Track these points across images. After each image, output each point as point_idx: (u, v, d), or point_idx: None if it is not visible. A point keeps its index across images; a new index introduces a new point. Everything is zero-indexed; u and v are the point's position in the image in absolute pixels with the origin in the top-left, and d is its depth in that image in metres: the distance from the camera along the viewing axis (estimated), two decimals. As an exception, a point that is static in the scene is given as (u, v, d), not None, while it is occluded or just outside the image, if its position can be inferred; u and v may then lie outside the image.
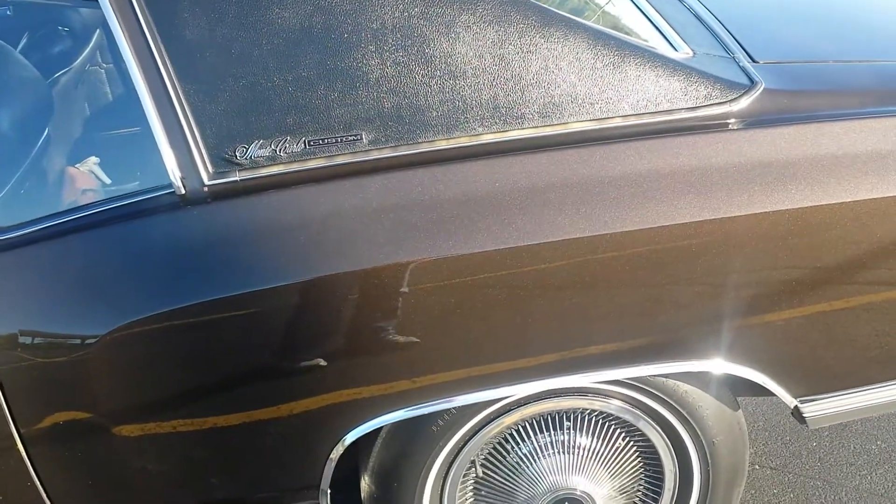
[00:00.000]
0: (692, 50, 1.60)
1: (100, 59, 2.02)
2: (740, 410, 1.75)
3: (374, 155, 1.44)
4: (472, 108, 1.45)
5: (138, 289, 1.43)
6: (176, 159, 1.41)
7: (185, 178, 1.41)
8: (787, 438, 2.45)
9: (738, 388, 1.71)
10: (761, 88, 1.52)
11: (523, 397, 1.64)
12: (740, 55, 1.62)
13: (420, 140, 1.45)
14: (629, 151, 1.47)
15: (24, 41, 1.66)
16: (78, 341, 1.43)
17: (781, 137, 1.47)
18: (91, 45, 1.98)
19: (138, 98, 1.39)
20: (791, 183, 1.45)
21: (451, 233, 1.41)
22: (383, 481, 1.71)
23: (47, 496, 1.56)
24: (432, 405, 1.54)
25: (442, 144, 1.45)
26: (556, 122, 1.47)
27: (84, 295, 1.43)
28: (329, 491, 1.66)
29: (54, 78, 1.93)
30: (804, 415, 1.69)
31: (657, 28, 1.70)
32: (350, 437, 1.55)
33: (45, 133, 1.60)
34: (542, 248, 1.42)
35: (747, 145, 1.47)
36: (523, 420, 1.70)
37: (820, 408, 1.68)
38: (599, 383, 1.63)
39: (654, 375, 1.61)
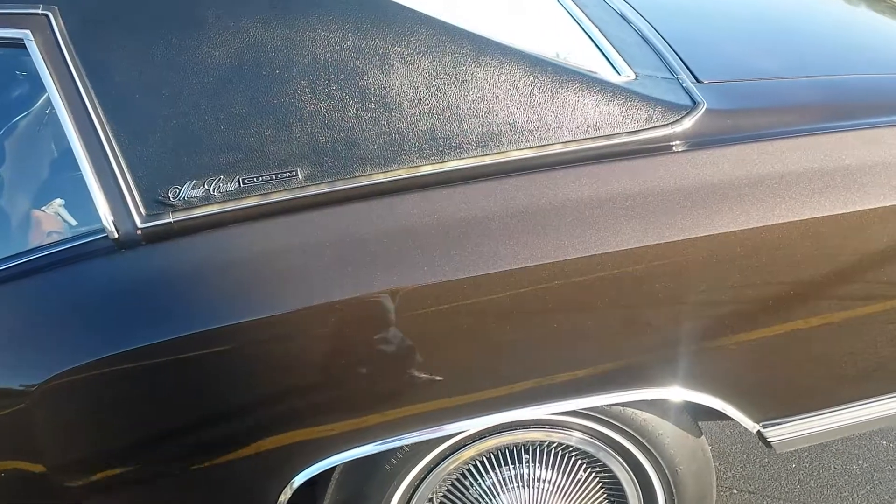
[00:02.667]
0: (634, 72, 1.58)
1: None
2: (703, 437, 1.71)
3: (311, 191, 1.42)
4: (410, 140, 1.43)
5: (73, 336, 1.40)
6: (108, 203, 1.38)
7: (117, 221, 1.39)
8: (766, 461, 2.40)
9: (700, 414, 1.67)
10: (703, 109, 1.49)
11: (478, 431, 1.61)
12: (684, 75, 1.60)
13: (357, 174, 1.42)
14: (570, 178, 1.44)
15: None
16: (16, 391, 1.40)
17: (724, 158, 1.45)
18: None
19: (69, 141, 1.37)
20: (736, 204, 1.42)
21: (391, 267, 1.39)
22: (340, 523, 1.67)
23: None
24: (381, 444, 1.51)
25: (379, 178, 1.43)
26: (495, 151, 1.45)
27: (19, 343, 1.40)
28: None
29: (13, 122, 1.92)
30: (768, 439, 1.65)
31: (601, 50, 1.68)
32: (299, 480, 1.51)
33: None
34: (484, 279, 1.39)
35: (690, 167, 1.44)
36: (481, 454, 1.67)
37: (784, 431, 1.64)
38: (557, 415, 1.60)
39: (611, 405, 1.58)
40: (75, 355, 1.38)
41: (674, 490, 1.69)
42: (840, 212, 1.43)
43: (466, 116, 1.43)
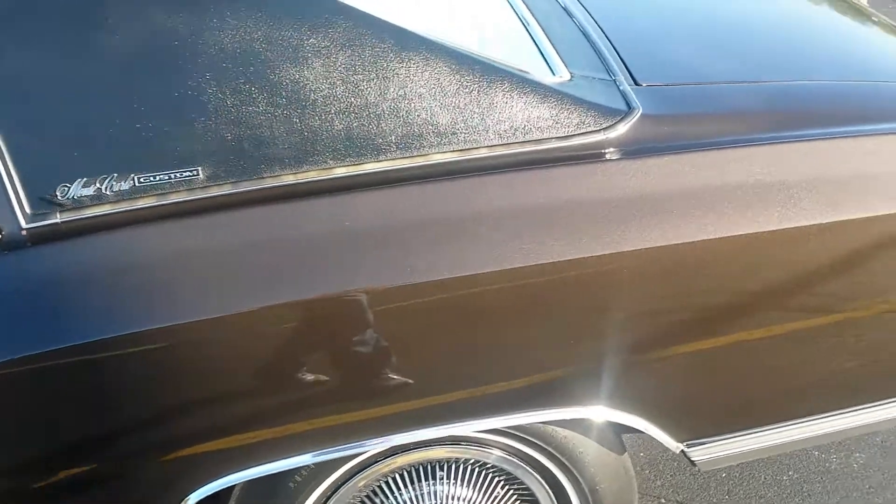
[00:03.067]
0: (570, 72, 1.49)
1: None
2: (626, 454, 1.64)
3: (214, 192, 1.30)
4: (323, 140, 1.32)
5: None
6: (-12, 201, 1.26)
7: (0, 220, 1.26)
8: (695, 469, 2.36)
9: (624, 429, 1.61)
10: (639, 114, 1.41)
11: (390, 448, 1.52)
12: (623, 77, 1.51)
13: (265, 175, 1.31)
14: (495, 185, 1.35)
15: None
16: None
17: (656, 168, 1.37)
18: None
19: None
20: (666, 218, 1.35)
21: (296, 278, 1.29)
22: (245, 541, 1.57)
23: None
24: (280, 462, 1.41)
25: (289, 179, 1.32)
26: (416, 154, 1.35)
27: None
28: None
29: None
30: (692, 459, 1.59)
31: (538, 46, 1.60)
32: (194, 498, 1.41)
33: None
34: (396, 292, 1.30)
35: (620, 177, 1.37)
36: (394, 471, 1.58)
37: (708, 451, 1.59)
38: (474, 432, 1.52)
39: (531, 424, 1.50)
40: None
41: (595, 508, 1.63)
42: (773, 228, 1.36)
43: (386, 116, 1.33)
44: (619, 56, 1.60)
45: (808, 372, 1.58)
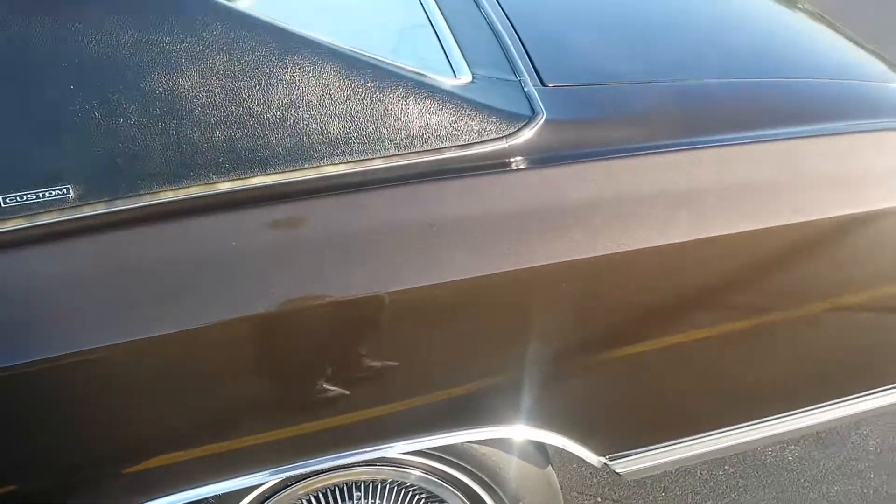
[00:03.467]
0: (473, 73, 1.42)
1: None
2: (550, 467, 1.59)
3: (86, 211, 1.21)
4: (203, 153, 1.23)
5: None
6: None
7: None
8: (632, 467, 2.32)
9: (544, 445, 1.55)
10: (542, 120, 1.34)
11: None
12: (528, 78, 1.44)
13: (142, 192, 1.22)
14: (391, 198, 1.28)
15: None
16: None
17: (561, 178, 1.30)
18: None
19: None
20: (571, 230, 1.28)
21: (177, 305, 1.20)
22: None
23: None
24: (182, 494, 1.34)
25: (168, 196, 1.23)
26: (306, 166, 1.26)
27: None
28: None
29: None
30: (616, 471, 1.54)
31: (442, 45, 1.52)
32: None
33: None
34: (291, 312, 1.22)
35: (523, 188, 1.30)
36: (309, 493, 1.52)
37: (629, 464, 1.53)
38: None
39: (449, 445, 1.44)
40: None
41: (517, 525, 1.57)
42: (681, 240, 1.30)
43: (272, 126, 1.24)
44: (528, 54, 1.53)
45: (723, 381, 1.54)
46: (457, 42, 1.52)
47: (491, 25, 1.64)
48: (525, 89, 1.41)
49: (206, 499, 1.41)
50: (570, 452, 1.47)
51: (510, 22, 1.66)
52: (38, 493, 1.29)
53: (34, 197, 1.20)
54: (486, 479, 1.51)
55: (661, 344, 1.43)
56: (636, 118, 1.40)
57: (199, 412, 1.29)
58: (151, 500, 1.34)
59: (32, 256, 1.21)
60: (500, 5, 1.74)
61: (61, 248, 1.21)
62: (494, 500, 1.55)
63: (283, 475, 1.40)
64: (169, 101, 1.21)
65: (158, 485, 1.33)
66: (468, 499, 1.56)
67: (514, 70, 1.47)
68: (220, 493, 1.38)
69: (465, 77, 1.41)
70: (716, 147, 1.35)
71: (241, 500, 1.44)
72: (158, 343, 1.19)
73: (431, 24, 1.59)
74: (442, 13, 1.63)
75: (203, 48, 1.22)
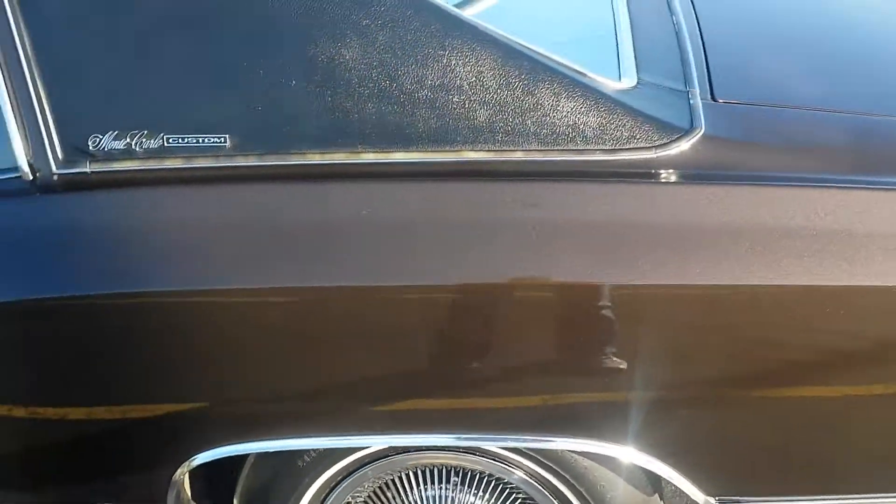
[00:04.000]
0: (639, 78, 1.37)
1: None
2: (656, 496, 1.53)
3: (239, 161, 1.29)
4: (354, 123, 1.27)
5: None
6: (26, 142, 1.29)
7: (34, 163, 1.29)
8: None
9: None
10: (699, 135, 1.28)
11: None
12: (698, 90, 1.38)
13: (291, 151, 1.28)
14: (524, 191, 1.26)
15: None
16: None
17: (707, 198, 1.24)
18: None
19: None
20: (708, 254, 1.21)
21: (314, 263, 1.26)
22: (252, 507, 1.58)
23: None
24: (286, 441, 1.40)
25: (315, 159, 1.28)
26: (447, 149, 1.28)
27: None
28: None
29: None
30: (722, 515, 1.46)
31: (617, 47, 1.48)
32: (199, 460, 1.42)
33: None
34: (383, 290, 1.26)
35: (663, 202, 1.24)
36: (409, 469, 1.54)
37: (739, 511, 1.45)
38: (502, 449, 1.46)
39: (559, 450, 1.42)
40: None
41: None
42: (832, 284, 1.20)
43: (421, 105, 1.26)
44: (707, 66, 1.46)
45: (871, 442, 1.41)
46: (634, 45, 1.48)
47: (678, 32, 1.58)
48: (691, 101, 1.35)
49: (308, 451, 1.47)
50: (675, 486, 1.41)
51: (700, 31, 1.59)
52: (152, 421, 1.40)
53: (195, 141, 1.28)
54: (585, 493, 1.47)
55: (799, 392, 1.34)
56: (805, 147, 1.31)
57: (310, 369, 1.34)
58: (261, 440, 1.41)
59: (184, 195, 1.30)
60: (695, 13, 1.67)
61: (210, 192, 1.30)
62: (591, 518, 1.51)
63: (390, 443, 1.44)
64: (329, 70, 1.25)
65: (263, 429, 1.39)
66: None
67: (686, 80, 1.41)
68: (324, 447, 1.43)
69: (629, 81, 1.37)
70: (886, 190, 1.24)
71: (339, 461, 1.48)
72: (277, 293, 1.26)
73: (614, 23, 1.56)
74: (629, 13, 1.59)
75: (369, 22, 1.25)
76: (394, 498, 1.57)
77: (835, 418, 1.36)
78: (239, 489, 1.57)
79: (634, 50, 1.46)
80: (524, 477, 1.50)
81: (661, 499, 1.56)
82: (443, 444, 1.43)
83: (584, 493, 1.47)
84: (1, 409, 1.41)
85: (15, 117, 1.28)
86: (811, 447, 1.39)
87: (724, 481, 1.42)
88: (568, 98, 1.27)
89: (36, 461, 1.49)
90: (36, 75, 1.27)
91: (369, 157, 1.28)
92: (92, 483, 1.54)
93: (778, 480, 1.43)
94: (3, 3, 1.26)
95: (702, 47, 1.53)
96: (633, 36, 1.51)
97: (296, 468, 1.49)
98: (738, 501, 1.43)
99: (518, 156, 1.27)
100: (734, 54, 1.56)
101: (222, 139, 1.28)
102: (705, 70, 1.45)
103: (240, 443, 1.41)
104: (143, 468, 1.46)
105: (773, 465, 1.41)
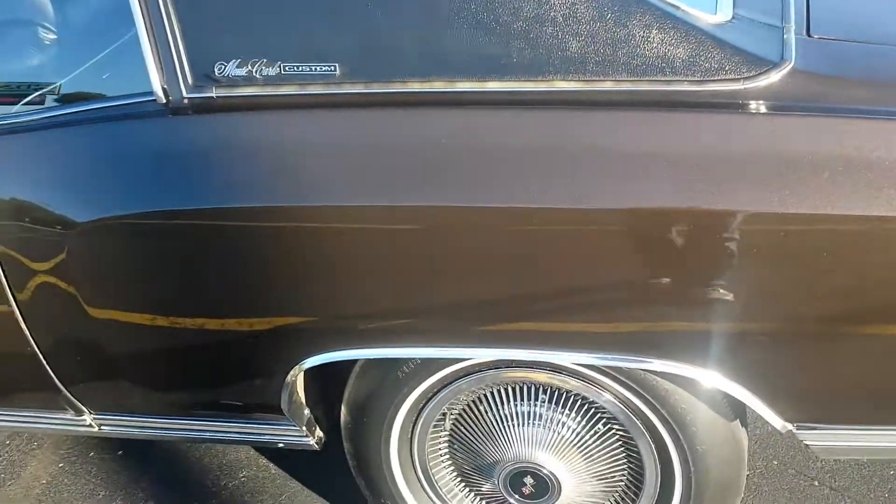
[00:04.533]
0: (735, 13, 1.39)
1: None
2: (737, 421, 1.57)
3: (346, 89, 1.40)
4: (452, 54, 1.35)
5: (114, 186, 1.49)
6: (160, 69, 1.43)
7: (167, 87, 1.44)
8: (864, 461, 2.18)
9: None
10: (788, 68, 1.29)
11: (502, 360, 1.56)
12: (793, 26, 1.38)
13: (394, 80, 1.38)
14: (614, 120, 1.32)
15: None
16: (62, 222, 1.52)
17: (791, 128, 1.26)
18: None
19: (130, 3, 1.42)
20: (789, 183, 1.24)
21: (414, 183, 1.36)
22: (356, 414, 1.72)
23: (49, 366, 1.71)
24: (392, 350, 1.52)
25: (415, 87, 1.37)
26: (539, 79, 1.34)
27: (68, 183, 1.51)
28: (307, 413, 1.71)
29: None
30: (804, 441, 1.49)
31: (718, -18, 1.49)
32: (308, 364, 1.56)
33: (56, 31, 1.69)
34: (475, 212, 1.35)
35: (747, 131, 1.27)
36: (503, 384, 1.64)
37: (820, 438, 1.48)
38: (593, 371, 1.53)
39: (640, 370, 1.48)
40: (112, 205, 1.48)
41: (692, 469, 1.58)
42: None
43: (516, 36, 1.33)
44: (808, 4, 1.46)
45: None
46: (734, -19, 1.49)
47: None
48: (784, 36, 1.36)
49: (408, 362, 1.58)
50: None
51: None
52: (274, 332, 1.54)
53: (308, 69, 1.40)
54: (667, 415, 1.52)
55: (879, 323, 1.35)
56: (892, 82, 1.30)
57: (414, 285, 1.44)
58: (365, 348, 1.54)
59: (298, 118, 1.42)
60: None
61: (321, 116, 1.41)
62: (678, 449, 1.56)
63: (489, 357, 1.53)
64: (430, 4, 1.34)
65: (369, 338, 1.51)
66: (655, 443, 1.59)
67: (783, 17, 1.42)
68: (426, 357, 1.55)
69: (724, 15, 1.39)
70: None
71: (436, 373, 1.59)
72: (381, 211, 1.37)
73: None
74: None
75: (467, -44, 1.33)
76: (486, 411, 1.67)
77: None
78: (346, 396, 1.71)
79: (734, -14, 1.48)
80: (611, 399, 1.57)
81: (742, 425, 1.60)
82: (539, 360, 1.51)
83: (666, 415, 1.53)
84: (133, 317, 1.59)
85: (151, 48, 1.43)
86: (888, 378, 1.40)
87: (803, 408, 1.45)
88: (659, 30, 1.31)
89: (165, 367, 1.68)
90: (170, 9, 1.41)
91: (465, 85, 1.37)
92: (215, 385, 1.72)
93: (854, 409, 1.46)
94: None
95: (806, -14, 1.53)
96: (735, -27, 1.52)
97: (396, 378, 1.62)
98: (815, 427, 1.47)
99: (607, 85, 1.33)
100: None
101: (332, 68, 1.39)
102: (805, 7, 1.46)
103: (345, 349, 1.54)
104: (261, 371, 1.61)
105: (851, 394, 1.44)
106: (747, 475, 2.09)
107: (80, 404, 1.78)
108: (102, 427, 1.83)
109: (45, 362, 1.69)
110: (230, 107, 1.44)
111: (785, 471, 2.18)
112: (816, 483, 2.14)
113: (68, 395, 1.75)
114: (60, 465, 2.31)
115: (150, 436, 1.85)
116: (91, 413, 1.81)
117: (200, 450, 2.33)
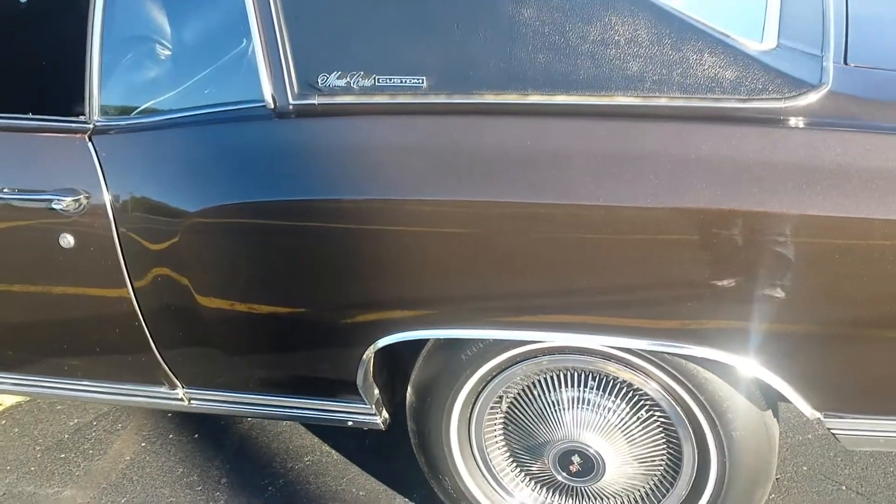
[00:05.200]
0: (778, 42, 1.57)
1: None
2: (769, 411, 1.73)
3: (432, 99, 1.60)
4: (526, 69, 1.55)
5: (226, 180, 1.70)
6: (270, 78, 1.65)
7: (276, 95, 1.66)
8: (891, 468, 2.31)
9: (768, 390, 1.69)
10: (826, 90, 1.47)
11: (557, 347, 1.74)
12: (832, 54, 1.56)
13: (473, 92, 1.58)
14: (666, 131, 1.50)
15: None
16: (177, 213, 1.73)
17: (826, 142, 1.43)
18: None
19: (248, 22, 1.64)
20: (827, 189, 1.41)
21: (488, 182, 1.55)
22: (420, 394, 1.90)
23: (152, 340, 1.92)
24: (452, 332, 1.71)
25: (491, 99, 1.57)
26: (602, 93, 1.53)
27: (184, 176, 1.73)
28: (377, 393, 1.90)
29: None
30: (832, 430, 1.64)
31: (765, 13, 1.67)
32: (381, 343, 1.75)
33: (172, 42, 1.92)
34: (542, 208, 1.53)
35: (787, 143, 1.45)
36: (557, 370, 1.81)
37: (847, 427, 1.63)
38: (640, 359, 1.70)
39: (677, 354, 1.64)
40: (220, 196, 1.69)
41: (727, 455, 1.73)
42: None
43: (583, 56, 1.52)
44: (846, 36, 1.64)
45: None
46: (780, 13, 1.67)
47: (823, 4, 1.75)
48: (823, 63, 1.54)
49: (472, 346, 1.76)
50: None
51: (846, 2, 1.77)
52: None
53: (399, 81, 1.61)
54: (706, 402, 1.68)
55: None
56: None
57: (474, 273, 1.63)
58: (434, 328, 1.73)
59: (389, 124, 1.62)
60: None
61: (409, 122, 1.62)
62: (714, 435, 1.72)
63: (546, 340, 1.70)
64: (510, 25, 1.54)
65: (437, 321, 1.70)
66: (693, 429, 1.74)
67: (823, 46, 1.60)
68: (493, 338, 1.72)
69: (770, 44, 1.56)
70: None
71: (494, 358, 1.76)
72: (459, 205, 1.56)
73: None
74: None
75: (545, -14, 1.53)
76: (540, 396, 1.85)
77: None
78: (413, 378, 1.89)
79: (780, 19, 1.65)
80: (655, 386, 1.74)
81: (774, 415, 1.75)
82: (592, 346, 1.69)
83: (705, 402, 1.69)
84: (234, 299, 1.80)
85: (264, 60, 1.65)
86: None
87: (831, 397, 1.60)
88: (711, 55, 1.49)
89: (257, 345, 1.88)
90: (283, 26, 1.63)
91: (536, 98, 1.56)
92: (299, 363, 1.92)
93: (879, 400, 1.61)
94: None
95: (846, 20, 1.70)
96: (780, 7, 1.70)
97: (459, 361, 1.80)
98: (843, 417, 1.62)
99: (663, 101, 1.51)
100: (875, 26, 1.73)
101: (420, 80, 1.60)
102: (844, 39, 1.63)
103: (418, 329, 1.73)
104: (342, 349, 1.80)
105: (876, 386, 1.59)
106: (778, 478, 2.24)
107: (175, 378, 1.98)
108: (192, 401, 2.03)
109: (150, 338, 1.90)
110: (329, 112, 1.65)
111: (814, 476, 2.31)
112: (844, 488, 2.27)
113: (166, 368, 1.96)
114: (143, 444, 2.52)
115: (234, 411, 2.05)
116: (184, 388, 2.01)
117: (269, 435, 2.52)
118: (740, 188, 1.45)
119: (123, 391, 2.08)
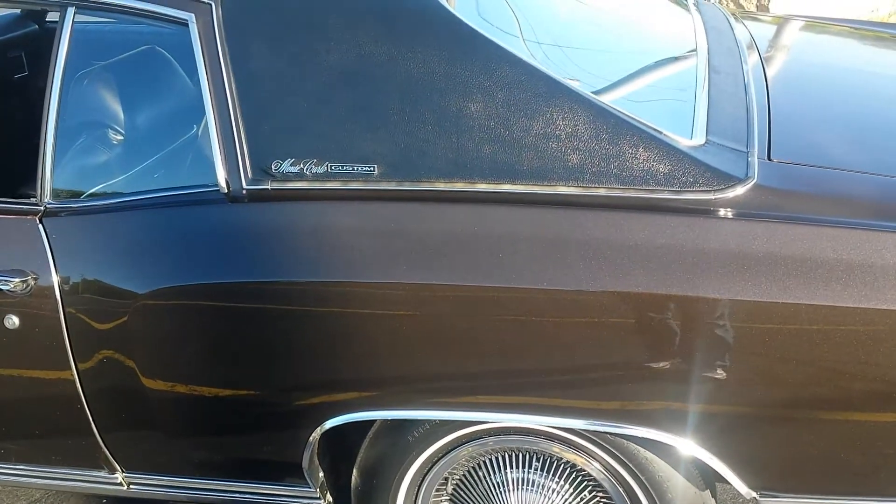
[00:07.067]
0: (707, 139, 1.68)
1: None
2: (708, 491, 1.78)
3: (383, 186, 1.66)
4: (472, 160, 1.63)
5: (178, 261, 1.73)
6: (225, 164, 1.70)
7: (229, 180, 1.70)
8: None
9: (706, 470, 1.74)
10: (752, 183, 1.58)
11: (500, 428, 1.77)
12: (756, 150, 1.68)
13: (422, 180, 1.65)
14: (604, 219, 1.58)
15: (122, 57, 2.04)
16: (125, 294, 1.74)
17: (752, 232, 1.53)
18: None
19: (205, 110, 1.70)
20: (754, 276, 1.50)
21: (435, 265, 1.61)
22: (366, 477, 1.91)
23: (94, 423, 1.90)
24: (400, 412, 1.74)
25: (440, 186, 1.64)
26: (545, 184, 1.61)
27: (135, 258, 1.75)
28: (321, 476, 1.89)
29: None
30: (765, 510, 1.70)
31: (694, 111, 1.79)
32: (329, 424, 1.76)
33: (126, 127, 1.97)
34: (487, 291, 1.60)
35: (717, 233, 1.54)
36: (499, 451, 1.84)
37: (781, 506, 1.69)
38: (582, 440, 1.74)
39: (615, 434, 1.69)
40: (174, 277, 1.72)
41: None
42: (850, 305, 1.47)
43: (527, 149, 1.61)
44: (769, 132, 1.76)
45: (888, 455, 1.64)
46: (708, 111, 1.79)
47: (747, 103, 1.88)
48: (749, 159, 1.65)
49: (417, 427, 1.79)
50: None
51: (768, 102, 1.90)
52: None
53: (351, 168, 1.67)
54: (646, 482, 1.73)
55: (840, 405, 1.59)
56: (833, 198, 1.59)
57: (418, 351, 1.67)
58: (380, 410, 1.75)
59: (340, 209, 1.68)
60: (766, 87, 1.98)
61: (360, 208, 1.67)
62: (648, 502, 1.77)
63: (491, 420, 1.74)
64: (457, 118, 1.63)
65: (384, 402, 1.73)
66: (625, 492, 1.79)
67: (748, 143, 1.71)
68: (440, 419, 1.75)
69: (699, 140, 1.67)
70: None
71: (439, 439, 1.79)
72: (409, 288, 1.61)
73: (695, 90, 1.87)
74: (708, 82, 1.90)
75: (491, 83, 1.62)
76: (485, 477, 1.87)
77: (873, 429, 1.60)
78: (358, 460, 1.90)
79: (708, 116, 1.77)
80: (598, 467, 1.78)
81: (713, 495, 1.81)
82: (537, 426, 1.74)
83: (646, 482, 1.74)
84: (179, 381, 1.80)
85: (219, 147, 1.70)
86: (850, 454, 1.62)
87: (766, 477, 1.66)
88: (645, 149, 1.59)
89: (200, 428, 1.88)
90: (239, 116, 1.68)
91: (483, 186, 1.63)
92: (244, 446, 1.91)
93: (811, 480, 1.67)
94: (218, 53, 1.69)
95: (768, 116, 1.83)
96: (709, 103, 1.82)
97: (406, 443, 1.82)
98: (777, 496, 1.68)
99: (601, 192, 1.60)
100: (795, 124, 1.86)
101: (372, 168, 1.66)
102: (766, 136, 1.75)
103: (362, 411, 1.75)
104: (288, 431, 1.81)
105: (809, 467, 1.66)
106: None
107: (115, 462, 1.95)
108: (131, 486, 2.00)
109: (91, 421, 1.88)
110: (282, 197, 1.70)
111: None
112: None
113: (107, 452, 1.93)
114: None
115: (175, 496, 2.02)
116: (123, 472, 1.98)
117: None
118: (675, 274, 1.53)
119: (60, 475, 2.04)
